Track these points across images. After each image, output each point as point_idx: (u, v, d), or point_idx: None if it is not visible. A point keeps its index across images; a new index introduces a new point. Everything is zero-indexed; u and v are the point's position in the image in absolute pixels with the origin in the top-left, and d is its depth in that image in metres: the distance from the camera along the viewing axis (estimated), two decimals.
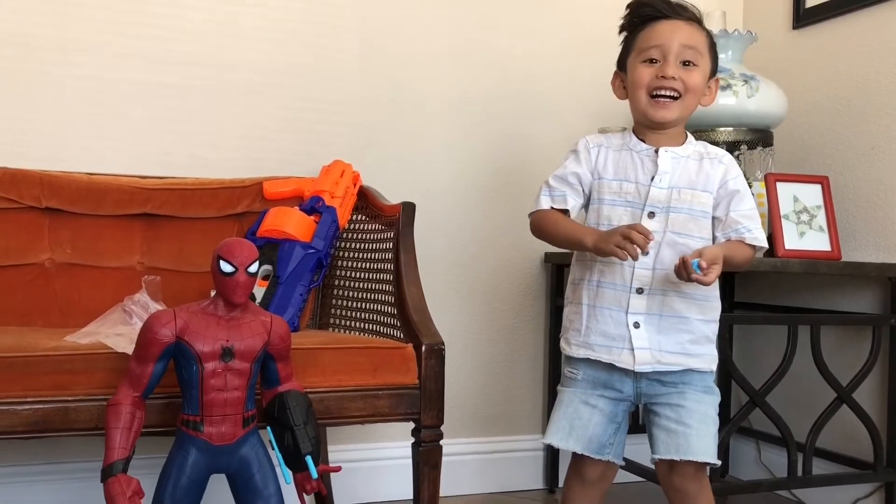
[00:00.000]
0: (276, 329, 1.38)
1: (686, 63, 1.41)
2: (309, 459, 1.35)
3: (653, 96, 1.41)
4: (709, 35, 1.47)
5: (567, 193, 1.48)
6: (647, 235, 1.32)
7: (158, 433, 1.40)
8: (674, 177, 1.42)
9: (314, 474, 1.35)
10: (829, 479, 2.06)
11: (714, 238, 1.45)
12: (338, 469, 1.42)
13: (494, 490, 2.32)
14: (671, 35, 1.41)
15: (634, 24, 1.46)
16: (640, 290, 1.41)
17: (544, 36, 2.38)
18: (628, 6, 1.48)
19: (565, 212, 1.48)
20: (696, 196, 1.42)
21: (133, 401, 1.30)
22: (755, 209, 1.45)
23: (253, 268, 1.33)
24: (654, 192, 1.42)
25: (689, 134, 1.49)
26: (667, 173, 1.42)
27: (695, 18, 1.45)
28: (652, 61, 1.41)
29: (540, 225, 1.50)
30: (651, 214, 1.41)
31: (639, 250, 1.32)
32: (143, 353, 1.30)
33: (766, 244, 1.46)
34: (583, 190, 1.49)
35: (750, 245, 1.44)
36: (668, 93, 1.40)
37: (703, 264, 1.31)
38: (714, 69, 1.47)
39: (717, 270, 1.33)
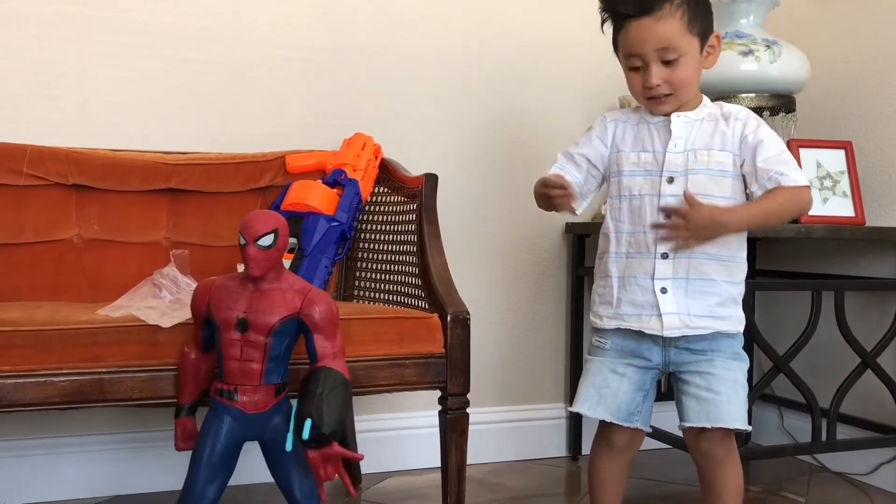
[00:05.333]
0: (311, 302, 1.35)
1: (667, 62, 1.38)
2: (308, 423, 1.30)
3: (646, 97, 1.43)
4: (685, 1, 1.37)
5: (566, 168, 1.52)
6: (561, 187, 1.40)
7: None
8: (688, 140, 1.42)
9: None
10: (853, 443, 2.07)
11: (749, 195, 1.43)
12: (359, 457, 1.46)
13: (518, 458, 2.35)
14: (641, 42, 1.38)
15: (608, 20, 1.43)
16: (664, 256, 1.42)
17: (561, 5, 2.37)
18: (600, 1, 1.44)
19: None
20: (713, 155, 1.41)
21: (197, 354, 1.41)
22: (785, 152, 1.41)
23: (264, 240, 1.32)
24: (670, 158, 1.42)
25: (704, 97, 1.47)
26: (681, 138, 1.42)
27: (660, 2, 1.36)
28: (636, 68, 1.41)
29: (535, 187, 1.53)
30: (670, 180, 1.41)
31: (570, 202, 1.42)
32: (194, 318, 1.41)
33: (805, 181, 1.39)
34: (590, 167, 1.50)
35: (790, 189, 1.38)
36: (657, 95, 1.41)
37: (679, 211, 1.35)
38: (707, 26, 1.41)
39: (682, 230, 1.35)
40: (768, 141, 1.41)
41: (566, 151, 1.53)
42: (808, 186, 1.40)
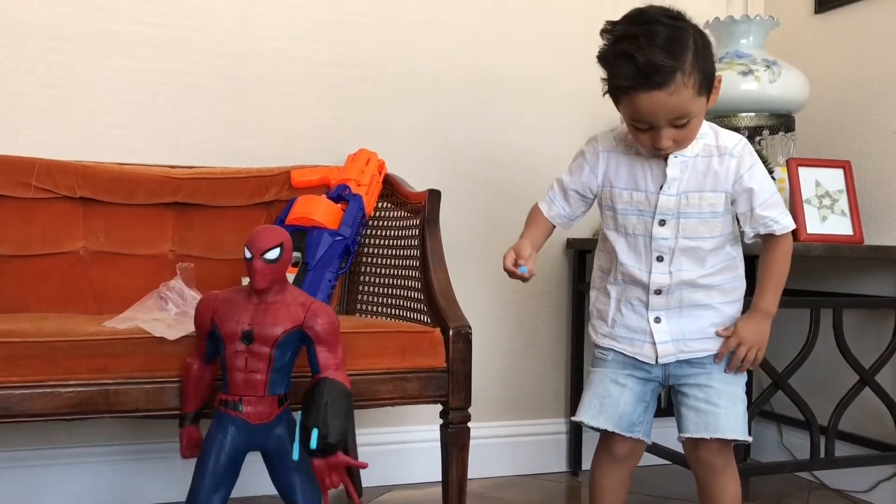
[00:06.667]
0: (313, 315, 1.38)
1: (678, 125, 1.32)
2: (315, 432, 1.32)
3: (655, 152, 1.39)
4: (694, 65, 1.29)
5: (555, 201, 1.53)
6: (513, 271, 1.43)
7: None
8: (682, 182, 1.41)
9: (314, 443, 1.32)
10: (852, 460, 2.08)
11: (742, 233, 1.45)
12: (363, 465, 1.43)
13: (519, 472, 2.35)
14: (653, 112, 1.30)
15: (613, 91, 1.35)
16: (658, 292, 1.44)
17: (564, 23, 2.40)
18: (600, 61, 1.34)
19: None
20: (705, 198, 1.41)
21: (200, 364, 1.43)
22: (775, 193, 1.43)
23: (270, 254, 1.35)
24: (663, 200, 1.41)
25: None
26: (675, 180, 1.40)
27: (671, 75, 1.27)
28: (644, 129, 1.35)
29: (529, 213, 1.58)
30: (662, 222, 1.42)
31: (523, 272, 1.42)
32: (197, 329, 1.43)
33: (793, 224, 1.44)
34: (580, 198, 1.51)
35: (781, 242, 1.44)
36: (667, 153, 1.38)
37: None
38: (712, 76, 1.35)
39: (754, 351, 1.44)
40: (762, 184, 1.41)
41: (560, 182, 1.52)
42: (794, 227, 1.46)
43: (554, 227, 1.56)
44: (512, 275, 1.43)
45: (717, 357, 1.44)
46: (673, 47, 1.28)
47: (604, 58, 1.34)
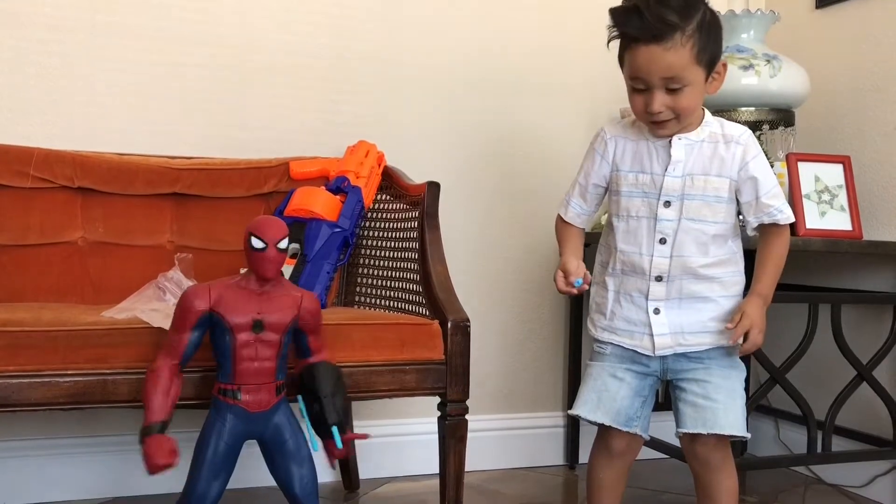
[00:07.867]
0: (307, 304, 1.44)
1: (671, 90, 1.36)
2: (335, 429, 1.40)
3: (649, 120, 1.41)
4: (697, 31, 1.34)
5: (571, 201, 1.54)
6: (569, 291, 1.43)
7: (194, 406, 1.45)
8: (687, 164, 1.43)
9: (339, 444, 1.40)
10: (848, 455, 2.09)
11: (744, 225, 1.47)
12: (365, 436, 1.46)
13: (516, 465, 2.36)
14: (648, 67, 1.34)
15: (616, 38, 1.40)
16: (658, 278, 1.44)
17: (563, 15, 2.39)
18: (611, 12, 1.39)
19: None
20: (710, 182, 1.42)
21: (171, 368, 1.36)
22: (777, 185, 1.46)
23: (282, 244, 1.39)
24: (668, 182, 1.42)
25: (706, 112, 1.47)
26: (680, 162, 1.42)
27: (671, 32, 1.32)
28: (640, 90, 1.38)
29: (555, 229, 1.59)
30: (667, 204, 1.43)
31: (576, 285, 1.43)
32: (180, 322, 1.37)
33: (793, 217, 1.47)
34: (597, 189, 1.52)
35: (781, 232, 1.46)
36: (659, 119, 1.39)
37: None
38: (716, 54, 1.39)
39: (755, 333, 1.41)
40: (766, 173, 1.44)
41: (576, 182, 1.53)
42: (794, 219, 1.48)
43: (582, 229, 1.56)
44: (570, 293, 1.45)
45: (732, 340, 1.43)
46: (681, 10, 1.34)
47: (615, 10, 1.39)
